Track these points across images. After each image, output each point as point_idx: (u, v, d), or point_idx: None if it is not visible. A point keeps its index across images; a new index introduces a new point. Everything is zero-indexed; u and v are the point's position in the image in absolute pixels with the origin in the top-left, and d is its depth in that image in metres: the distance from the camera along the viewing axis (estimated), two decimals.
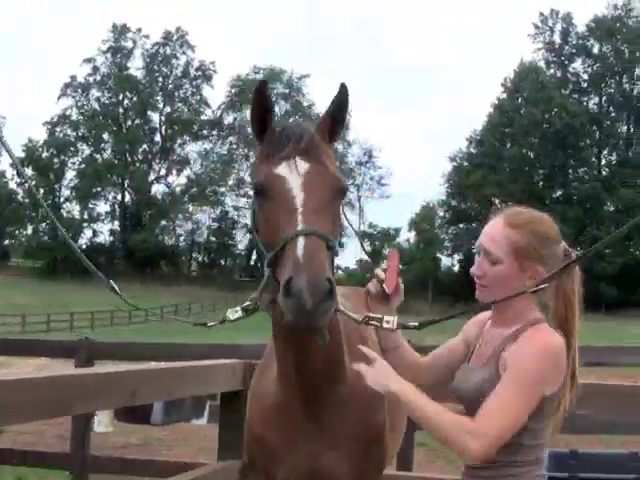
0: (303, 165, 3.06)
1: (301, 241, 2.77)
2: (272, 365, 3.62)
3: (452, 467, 10.98)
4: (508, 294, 3.03)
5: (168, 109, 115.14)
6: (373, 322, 3.18)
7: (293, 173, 3.02)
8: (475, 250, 3.22)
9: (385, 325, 3.17)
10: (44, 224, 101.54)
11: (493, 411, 2.87)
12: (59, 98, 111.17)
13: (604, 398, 4.95)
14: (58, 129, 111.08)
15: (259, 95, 3.19)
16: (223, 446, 5.23)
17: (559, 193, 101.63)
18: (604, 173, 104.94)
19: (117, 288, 3.46)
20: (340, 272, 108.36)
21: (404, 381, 2.99)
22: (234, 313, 3.14)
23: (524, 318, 3.10)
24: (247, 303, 3.10)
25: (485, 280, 3.12)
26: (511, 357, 2.98)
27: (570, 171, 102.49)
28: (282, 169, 3.04)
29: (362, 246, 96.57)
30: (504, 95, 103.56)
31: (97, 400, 3.74)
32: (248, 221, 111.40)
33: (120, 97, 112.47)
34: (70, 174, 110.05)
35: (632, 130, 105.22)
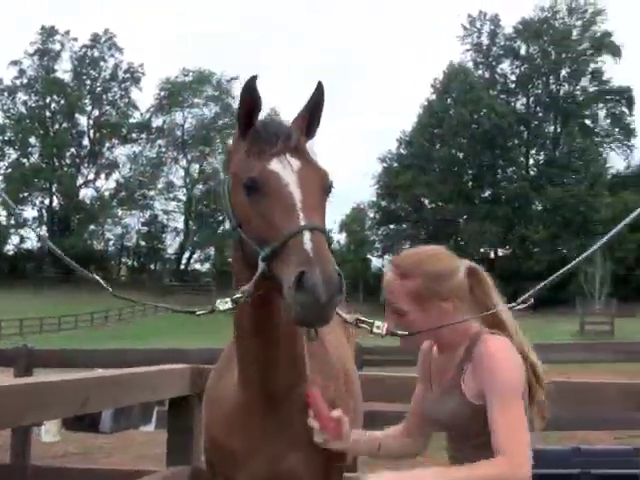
0: (295, 162, 3.08)
1: (307, 236, 2.81)
2: (232, 368, 3.60)
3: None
4: (425, 335, 3.17)
5: (96, 112, 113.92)
6: (363, 325, 3.24)
7: (287, 170, 3.04)
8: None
9: (375, 330, 3.23)
10: None
11: (509, 434, 2.89)
12: None
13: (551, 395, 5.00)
14: None
15: (249, 90, 3.14)
16: (172, 452, 5.20)
17: (488, 193, 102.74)
18: (532, 173, 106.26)
19: (104, 283, 3.40)
20: None
21: (418, 472, 2.97)
22: (224, 304, 3.08)
23: (466, 335, 3.16)
24: (238, 295, 3.04)
25: (404, 330, 3.17)
26: (484, 381, 2.99)
27: (499, 171, 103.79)
28: (276, 165, 3.05)
29: None
30: (433, 96, 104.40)
31: (49, 409, 3.68)
32: (178, 224, 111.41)
33: (47, 100, 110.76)
34: None
35: (559, 130, 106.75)
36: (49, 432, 13.00)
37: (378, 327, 3.20)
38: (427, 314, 3.10)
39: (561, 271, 3.34)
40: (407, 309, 3.11)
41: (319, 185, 3.11)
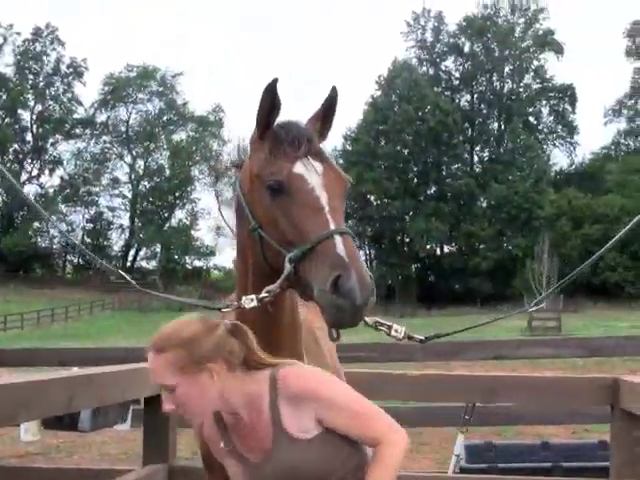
0: (318, 165, 3.15)
1: (339, 239, 2.89)
2: None
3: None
4: (206, 403, 3.03)
5: (39, 107, 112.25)
6: (382, 328, 3.23)
7: (311, 173, 3.10)
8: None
9: (393, 333, 3.24)
10: None
11: (365, 420, 2.94)
12: None
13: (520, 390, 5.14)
14: None
15: (270, 92, 3.19)
16: (148, 450, 5.22)
17: (433, 189, 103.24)
18: (477, 169, 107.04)
19: (128, 277, 3.37)
20: (217, 272, 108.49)
21: None
22: (249, 302, 3.14)
23: (260, 382, 3.09)
24: (264, 295, 3.09)
25: (182, 409, 3.04)
26: (314, 406, 2.95)
27: (444, 168, 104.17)
28: (301, 168, 3.10)
29: None
30: (378, 92, 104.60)
31: (37, 408, 3.67)
32: (124, 221, 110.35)
33: None
34: None
35: (503, 127, 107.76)
36: (28, 431, 12.93)
37: (396, 330, 3.22)
38: (195, 381, 2.98)
39: (574, 273, 3.36)
40: (175, 383, 2.98)
41: (341, 189, 3.19)
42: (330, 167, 3.18)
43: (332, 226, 2.93)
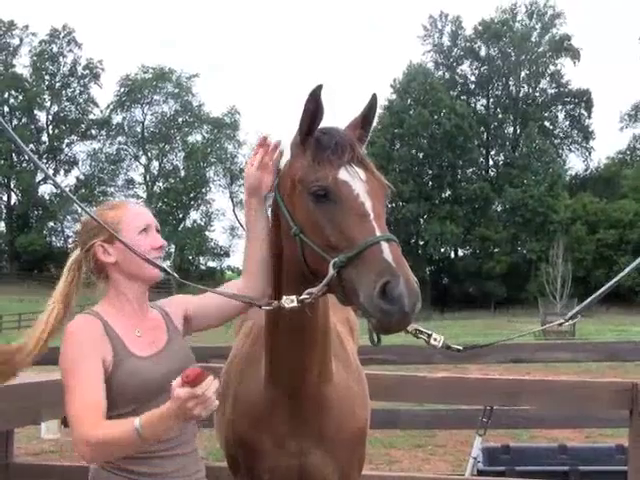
0: (362, 172, 3.18)
1: (386, 246, 2.92)
2: (254, 366, 3.77)
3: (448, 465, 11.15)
4: None
5: (55, 108, 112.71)
6: (421, 336, 3.24)
7: (356, 179, 3.14)
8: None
9: (432, 342, 3.25)
10: None
11: None
12: None
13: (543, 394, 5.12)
14: None
15: (314, 99, 3.22)
16: None
17: (448, 193, 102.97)
18: (492, 173, 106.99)
19: (169, 270, 3.43)
20: (231, 272, 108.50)
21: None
22: (289, 302, 3.16)
23: None
24: (305, 296, 3.12)
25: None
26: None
27: (459, 171, 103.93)
28: (345, 175, 3.14)
29: None
30: (394, 96, 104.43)
31: (59, 407, 3.69)
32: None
33: (6, 95, 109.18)
34: None
35: (518, 131, 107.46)
36: (49, 429, 13.00)
37: (435, 339, 3.24)
38: None
39: (612, 282, 3.36)
40: None
41: (383, 195, 3.22)
42: (372, 174, 3.22)
43: (378, 232, 2.97)
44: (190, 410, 2.73)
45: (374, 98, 3.44)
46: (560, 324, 3.35)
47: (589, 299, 3.40)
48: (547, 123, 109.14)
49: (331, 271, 2.97)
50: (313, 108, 3.23)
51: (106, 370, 3.14)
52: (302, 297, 3.11)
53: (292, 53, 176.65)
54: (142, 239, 3.31)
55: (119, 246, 3.26)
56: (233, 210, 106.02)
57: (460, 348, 3.33)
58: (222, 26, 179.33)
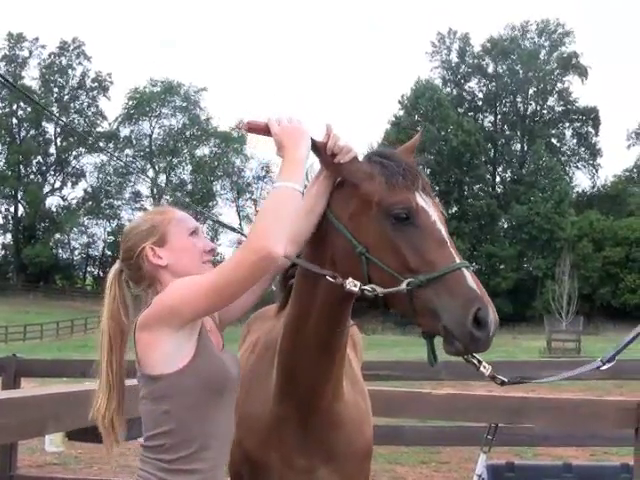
0: (430, 199, 3.22)
1: (468, 274, 2.99)
2: (262, 383, 3.74)
3: None
4: None
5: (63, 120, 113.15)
6: (473, 360, 3.21)
7: (430, 205, 3.18)
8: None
9: (482, 369, 3.24)
10: None
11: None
12: None
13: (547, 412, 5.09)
14: None
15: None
16: None
17: (455, 209, 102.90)
18: (499, 190, 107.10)
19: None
20: None
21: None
22: (353, 285, 3.15)
23: None
24: (368, 288, 3.12)
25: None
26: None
27: (466, 188, 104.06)
28: (422, 201, 3.17)
29: None
30: (401, 112, 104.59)
31: (66, 420, 3.66)
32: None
33: (14, 107, 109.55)
34: None
35: (525, 148, 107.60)
36: (53, 442, 12.94)
37: (485, 367, 3.23)
38: None
39: None
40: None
41: (446, 224, 3.24)
42: (435, 202, 3.25)
43: (457, 260, 3.04)
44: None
45: (422, 132, 3.51)
46: (595, 368, 3.43)
47: (625, 343, 3.48)
48: (554, 140, 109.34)
49: (403, 286, 2.99)
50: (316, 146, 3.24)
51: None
52: (365, 287, 3.11)
53: (300, 68, 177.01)
54: (194, 241, 3.25)
55: (170, 248, 3.19)
56: (239, 224, 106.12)
57: (504, 380, 3.34)
58: (222, 26, 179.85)
